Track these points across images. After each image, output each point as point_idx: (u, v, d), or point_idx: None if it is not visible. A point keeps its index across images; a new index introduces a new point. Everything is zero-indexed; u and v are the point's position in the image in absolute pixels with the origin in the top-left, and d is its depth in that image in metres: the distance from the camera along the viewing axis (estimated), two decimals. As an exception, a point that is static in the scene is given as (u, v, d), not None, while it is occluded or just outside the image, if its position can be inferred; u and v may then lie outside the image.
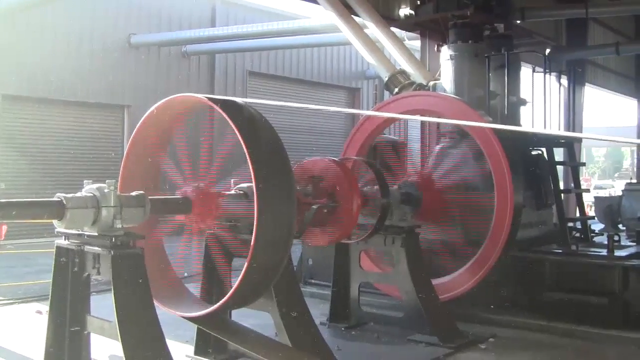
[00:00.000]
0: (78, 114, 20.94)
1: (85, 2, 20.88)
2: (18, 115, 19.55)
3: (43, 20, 19.64)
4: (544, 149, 11.64)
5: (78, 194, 5.66)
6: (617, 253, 9.84)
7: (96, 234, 5.70)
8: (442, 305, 9.13)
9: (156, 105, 6.73)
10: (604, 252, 9.96)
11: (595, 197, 16.88)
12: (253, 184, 5.90)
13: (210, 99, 6.39)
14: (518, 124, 11.51)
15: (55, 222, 5.64)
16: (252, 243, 5.91)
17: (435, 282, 9.32)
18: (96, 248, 5.76)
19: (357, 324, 9.34)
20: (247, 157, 5.91)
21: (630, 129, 36.04)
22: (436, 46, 13.01)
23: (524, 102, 11.74)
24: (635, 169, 36.64)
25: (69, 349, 6.04)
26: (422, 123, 11.21)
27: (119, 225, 5.65)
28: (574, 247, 10.23)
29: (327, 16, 16.71)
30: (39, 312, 9.58)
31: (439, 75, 11.93)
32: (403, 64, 12.68)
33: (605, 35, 24.17)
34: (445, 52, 11.74)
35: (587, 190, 14.79)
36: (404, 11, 15.37)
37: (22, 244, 17.35)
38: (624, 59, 26.42)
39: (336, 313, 9.41)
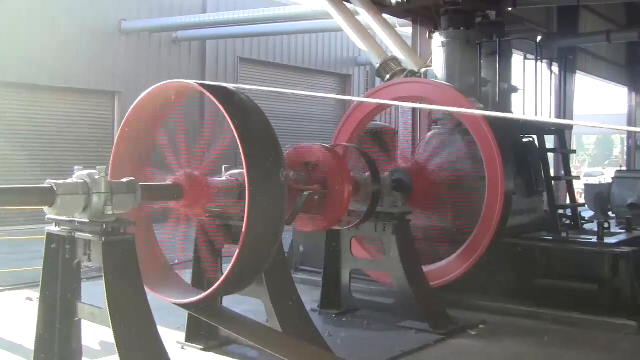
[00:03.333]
0: (68, 100, 20.85)
1: (75, -13, 20.78)
2: (7, 102, 19.45)
3: (32, 6, 19.52)
4: (534, 136, 11.66)
5: (69, 180, 5.63)
6: (607, 240, 9.87)
7: (87, 220, 5.67)
8: (433, 292, 9.16)
9: (147, 91, 6.71)
10: (594, 239, 10.00)
11: (586, 185, 16.95)
12: (244, 171, 5.89)
13: (201, 85, 6.37)
14: (509, 111, 11.52)
15: (45, 208, 5.62)
16: (243, 229, 5.90)
17: (426, 268, 9.35)
18: (87, 234, 5.74)
19: (348, 310, 9.36)
20: (239, 144, 5.90)
21: (620, 116, 36.15)
22: (428, 33, 12.99)
23: (515, 90, 11.75)
24: (625, 157, 36.78)
25: (59, 335, 6.03)
26: (414, 110, 11.21)
27: (110, 212, 5.63)
28: (564, 234, 10.27)
29: (318, 2, 16.68)
30: (30, 299, 9.57)
31: (431, 62, 11.93)
32: (395, 50, 12.66)
33: (596, 23, 24.16)
34: (437, 38, 11.73)
35: (578, 178, 14.83)
36: (396, -2, 15.33)
37: (12, 230, 17.30)
38: (615, 46, 26.41)
39: (327, 300, 9.42)
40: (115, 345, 5.50)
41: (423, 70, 11.88)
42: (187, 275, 7.38)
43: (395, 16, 16.36)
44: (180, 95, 6.98)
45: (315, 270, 10.65)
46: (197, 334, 7.47)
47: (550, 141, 12.52)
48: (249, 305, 7.59)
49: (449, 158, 9.95)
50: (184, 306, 6.83)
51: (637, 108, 31.75)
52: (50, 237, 6.01)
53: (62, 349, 6.03)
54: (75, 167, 5.84)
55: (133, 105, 6.85)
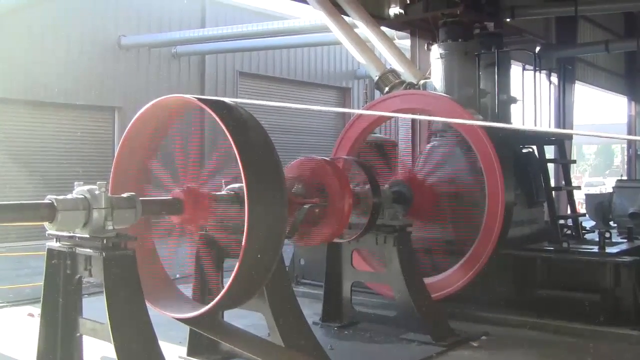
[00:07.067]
0: (68, 116, 20.92)
1: (74, 3, 20.83)
2: (7, 118, 19.48)
3: (32, 23, 19.59)
4: (534, 147, 11.66)
5: (69, 196, 5.64)
6: (609, 250, 9.85)
7: (87, 235, 5.68)
8: (435, 304, 9.14)
9: (147, 106, 6.72)
10: (596, 249, 9.97)
11: (586, 195, 16.90)
12: (244, 185, 5.89)
13: (200, 99, 6.38)
14: (509, 122, 11.53)
15: (46, 224, 5.63)
16: (243, 243, 5.90)
17: (427, 280, 9.34)
18: (88, 250, 5.74)
19: (349, 323, 9.34)
20: (238, 158, 5.91)
21: (620, 126, 36.19)
22: (426, 45, 13.04)
23: (514, 100, 11.76)
24: (625, 166, 36.78)
25: (61, 351, 6.02)
26: (413, 122, 11.23)
27: (111, 227, 5.63)
28: (565, 245, 10.24)
29: (316, 16, 16.74)
30: (31, 315, 9.55)
31: (429, 74, 11.95)
32: (393, 63, 12.69)
33: (594, 33, 24.26)
34: (436, 50, 11.76)
35: (578, 188, 14.81)
36: (394, 10, 15.36)
37: (13, 246, 17.29)
38: (613, 56, 26.51)
39: (328, 312, 9.41)
40: (117, 361, 5.50)
41: (422, 82, 11.89)
42: (188, 289, 7.36)
43: (393, 29, 16.41)
44: (180, 110, 7.00)
45: (317, 284, 10.64)
46: (199, 348, 7.44)
47: (550, 151, 12.52)
48: (250, 319, 7.59)
49: (448, 169, 9.95)
50: (185, 321, 6.82)
51: (637, 117, 31.79)
52: (51, 252, 6.01)
53: (64, 365, 6.03)
54: (76, 183, 5.85)
55: (133, 120, 6.86)
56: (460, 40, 11.60)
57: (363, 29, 13.22)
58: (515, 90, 11.79)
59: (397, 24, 15.61)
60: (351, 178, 8.82)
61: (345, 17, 13.20)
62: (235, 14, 25.35)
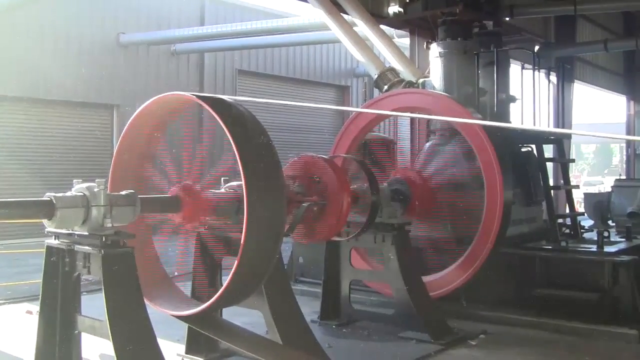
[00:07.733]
0: (67, 113, 20.86)
1: (74, 1, 20.81)
2: (5, 115, 19.45)
3: (30, 20, 19.53)
4: (533, 146, 11.66)
5: (68, 194, 5.64)
6: (607, 249, 9.87)
7: (86, 233, 5.68)
8: (433, 302, 9.15)
9: (145, 104, 6.72)
10: (594, 248, 9.99)
11: (585, 194, 16.92)
12: (243, 183, 5.89)
13: (200, 97, 6.38)
14: (507, 121, 11.53)
15: (45, 221, 5.63)
16: (242, 241, 5.90)
17: (425, 279, 9.34)
18: (86, 247, 5.75)
19: (348, 321, 9.35)
20: (237, 156, 5.91)
21: (619, 125, 36.23)
22: (425, 43, 13.03)
23: (513, 99, 11.76)
24: (624, 165, 36.81)
25: (59, 348, 6.02)
26: (412, 120, 11.22)
27: (109, 225, 5.64)
28: (563, 244, 10.26)
29: (316, 14, 16.73)
30: (30, 312, 9.55)
31: (429, 72, 11.95)
32: (392, 61, 12.68)
33: (593, 32, 24.26)
34: (435, 49, 11.75)
35: (577, 187, 14.82)
36: (393, 9, 15.39)
37: (12, 244, 17.28)
38: (612, 55, 26.54)
39: (327, 311, 9.41)
40: (115, 358, 5.49)
41: (421, 80, 11.89)
42: (187, 287, 7.37)
43: (392, 27, 16.41)
44: (179, 108, 7.00)
45: (315, 282, 10.66)
46: (197, 346, 7.45)
47: (549, 150, 12.52)
48: (248, 317, 7.59)
49: (447, 168, 9.95)
50: (184, 318, 6.83)
51: (636, 116, 31.82)
52: (50, 250, 6.02)
53: (62, 362, 6.03)
54: (75, 180, 5.85)
55: (132, 118, 6.86)
56: (459, 39, 11.59)
57: (362, 28, 13.22)
58: (514, 89, 11.80)
59: (396, 22, 15.62)
60: (350, 176, 8.82)
61: (345, 16, 13.20)
62: (234, 12, 25.32)
